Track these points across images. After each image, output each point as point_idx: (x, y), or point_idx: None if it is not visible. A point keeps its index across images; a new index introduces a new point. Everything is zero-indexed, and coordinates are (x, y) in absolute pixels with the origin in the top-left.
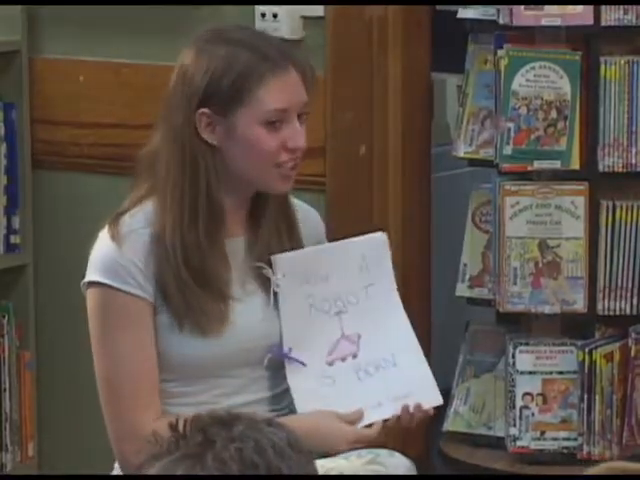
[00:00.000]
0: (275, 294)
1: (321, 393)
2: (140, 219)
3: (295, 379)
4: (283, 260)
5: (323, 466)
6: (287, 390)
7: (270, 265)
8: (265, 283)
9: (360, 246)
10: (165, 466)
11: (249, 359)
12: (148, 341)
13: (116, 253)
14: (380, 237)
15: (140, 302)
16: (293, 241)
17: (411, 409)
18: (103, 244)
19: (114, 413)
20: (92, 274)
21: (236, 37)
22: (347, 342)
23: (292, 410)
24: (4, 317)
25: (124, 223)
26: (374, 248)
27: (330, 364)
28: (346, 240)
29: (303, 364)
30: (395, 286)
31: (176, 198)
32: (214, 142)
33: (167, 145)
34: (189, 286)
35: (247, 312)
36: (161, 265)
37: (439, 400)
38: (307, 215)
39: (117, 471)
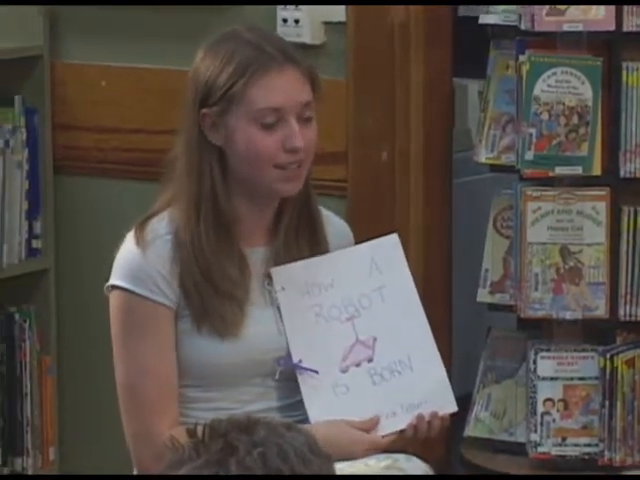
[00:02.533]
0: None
1: (335, 402)
2: (165, 225)
3: (308, 390)
4: (281, 272)
5: (342, 470)
6: (301, 400)
7: None
8: None
9: (368, 249)
10: (189, 473)
11: (264, 369)
12: (168, 348)
13: (140, 259)
14: (391, 238)
15: (162, 309)
16: (315, 253)
17: (427, 417)
18: (128, 248)
19: (132, 418)
20: (116, 278)
21: (237, 35)
22: (362, 346)
23: (305, 420)
24: (25, 322)
25: (150, 229)
26: (385, 250)
27: (344, 371)
28: (352, 247)
29: (315, 372)
30: (413, 286)
31: (186, 201)
32: (218, 143)
33: (180, 148)
34: (204, 288)
35: (265, 322)
36: (183, 267)
37: (454, 407)
38: (338, 229)
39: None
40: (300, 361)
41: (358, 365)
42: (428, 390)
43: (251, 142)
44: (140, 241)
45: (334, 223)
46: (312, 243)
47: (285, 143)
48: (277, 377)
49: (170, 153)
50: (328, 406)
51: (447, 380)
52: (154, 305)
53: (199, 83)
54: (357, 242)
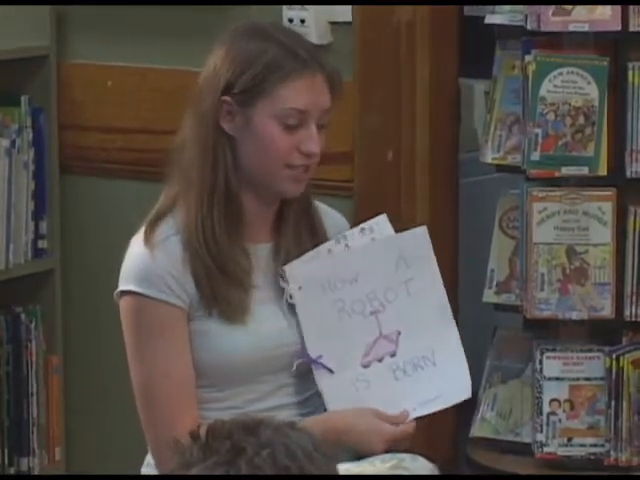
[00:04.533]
0: (290, 303)
1: (355, 397)
2: (172, 225)
3: (327, 385)
4: (297, 271)
5: (348, 470)
6: (314, 395)
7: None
8: None
9: (396, 242)
10: (200, 473)
11: (276, 365)
12: (184, 349)
13: (150, 261)
14: (420, 231)
15: (175, 310)
16: (316, 247)
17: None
18: (136, 252)
19: (153, 420)
20: (126, 283)
21: (269, 32)
22: (385, 341)
23: (318, 414)
24: (32, 322)
25: (158, 231)
26: (413, 243)
27: (366, 366)
28: (380, 239)
29: (330, 371)
30: (440, 280)
31: (197, 182)
32: (231, 132)
33: (192, 131)
34: (214, 274)
35: (273, 317)
36: (193, 258)
37: (468, 394)
38: (334, 221)
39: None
40: (320, 357)
41: (380, 360)
42: (445, 384)
43: (269, 138)
44: (148, 244)
45: (331, 215)
46: (313, 238)
47: (301, 146)
48: (294, 370)
49: (174, 142)
50: (348, 401)
51: (467, 371)
52: (167, 306)
53: (225, 70)
54: None
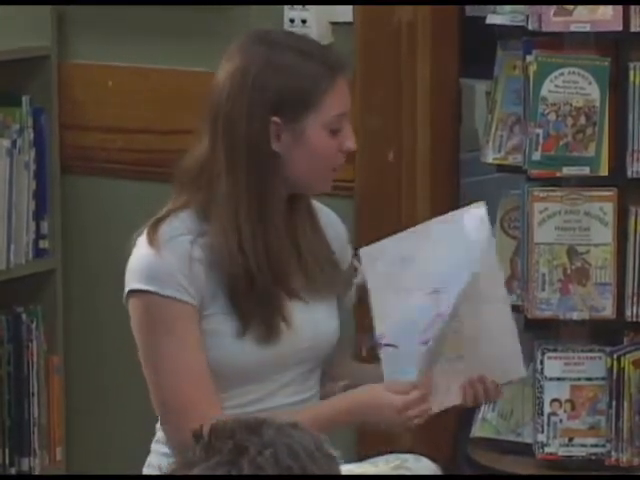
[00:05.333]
0: (359, 287)
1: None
2: (179, 226)
3: (389, 365)
4: (369, 251)
5: (351, 471)
6: (315, 395)
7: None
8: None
9: (460, 222)
10: (202, 473)
11: (288, 362)
12: (198, 346)
13: (157, 259)
14: (480, 212)
15: (187, 307)
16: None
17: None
18: (142, 252)
19: (177, 424)
20: (134, 282)
21: (293, 45)
22: (440, 319)
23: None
24: (33, 322)
25: (163, 231)
26: (475, 223)
27: (424, 343)
28: (443, 217)
29: (395, 346)
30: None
31: (253, 206)
32: (278, 150)
33: (232, 157)
34: (260, 296)
35: (304, 318)
36: (224, 276)
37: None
38: (329, 219)
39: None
40: (382, 336)
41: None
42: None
43: (322, 148)
44: (154, 242)
45: (325, 213)
46: (315, 233)
47: (343, 145)
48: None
49: (188, 159)
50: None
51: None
52: (179, 304)
53: (267, 93)
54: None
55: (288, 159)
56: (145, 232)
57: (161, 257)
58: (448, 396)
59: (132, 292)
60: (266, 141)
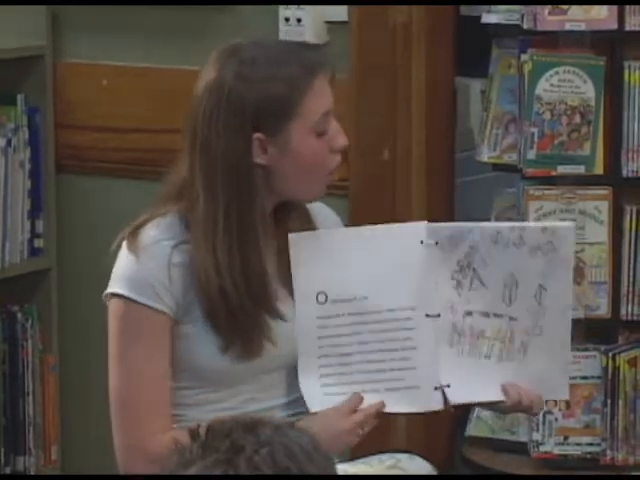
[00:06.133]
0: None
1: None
2: (162, 231)
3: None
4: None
5: (346, 471)
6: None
7: None
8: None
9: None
10: (198, 473)
11: (278, 363)
12: (162, 356)
13: (136, 266)
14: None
15: (159, 317)
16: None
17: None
18: (123, 257)
19: (123, 425)
20: (113, 286)
21: (263, 53)
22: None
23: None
24: (27, 321)
25: (144, 236)
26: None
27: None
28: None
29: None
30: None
31: (231, 226)
32: (265, 162)
33: (211, 175)
34: (242, 313)
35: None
36: (202, 290)
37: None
38: (320, 210)
39: None
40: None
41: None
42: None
43: (311, 153)
44: (135, 248)
45: (317, 211)
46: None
47: (333, 144)
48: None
49: (173, 174)
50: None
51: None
52: (151, 312)
53: (245, 110)
54: None
55: (278, 170)
56: (126, 237)
57: (140, 264)
58: (482, 391)
59: (111, 295)
60: (247, 158)
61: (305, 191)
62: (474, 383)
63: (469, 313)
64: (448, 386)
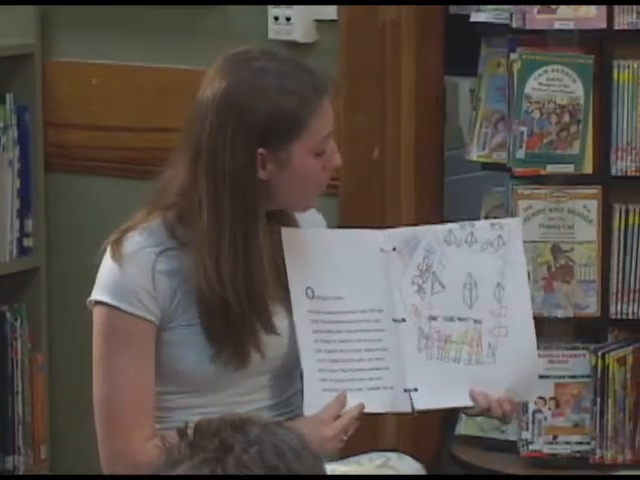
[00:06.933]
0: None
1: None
2: (147, 238)
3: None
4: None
5: (335, 470)
6: (291, 396)
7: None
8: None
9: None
10: (187, 472)
11: (266, 367)
12: (147, 363)
13: (120, 273)
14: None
15: (144, 324)
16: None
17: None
18: (108, 265)
19: (108, 432)
20: (97, 293)
21: (273, 69)
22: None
23: (296, 416)
24: (17, 320)
25: (128, 243)
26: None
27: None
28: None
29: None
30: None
31: (237, 237)
32: (264, 177)
33: (215, 188)
34: (240, 321)
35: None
36: (211, 301)
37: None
38: (312, 218)
39: None
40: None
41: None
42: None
43: (308, 171)
44: (119, 255)
45: (303, 218)
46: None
47: (328, 163)
48: None
49: (164, 180)
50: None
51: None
52: (136, 320)
53: (253, 125)
54: None
55: (274, 184)
56: (109, 245)
57: (124, 272)
58: (451, 396)
59: (95, 301)
60: (252, 172)
61: (297, 204)
62: (443, 387)
63: (434, 318)
64: (416, 390)
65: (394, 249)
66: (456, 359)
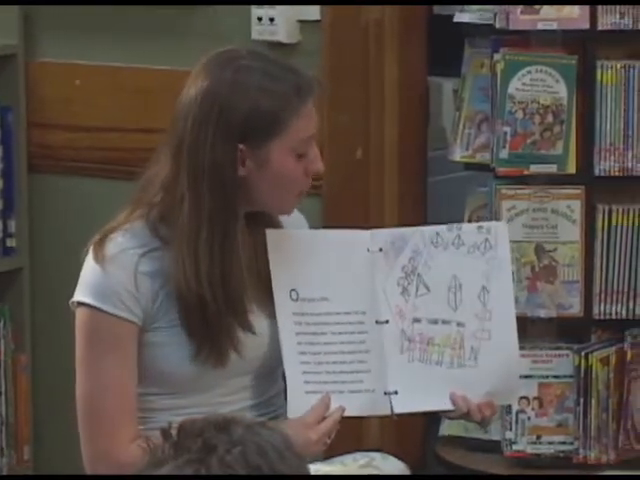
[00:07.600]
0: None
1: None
2: (128, 240)
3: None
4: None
5: (319, 470)
6: (273, 397)
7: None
8: (270, 296)
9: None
10: (170, 472)
11: (242, 371)
12: (130, 365)
13: (102, 275)
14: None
15: (126, 325)
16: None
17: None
18: (90, 266)
19: (91, 434)
20: (80, 294)
21: (258, 67)
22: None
23: (278, 416)
24: (0, 321)
25: (110, 244)
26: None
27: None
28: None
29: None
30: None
31: (215, 234)
32: (243, 174)
33: (195, 184)
34: (218, 320)
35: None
36: (190, 302)
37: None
38: (296, 220)
39: None
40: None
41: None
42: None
43: (287, 172)
44: (102, 257)
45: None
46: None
47: (309, 168)
48: None
49: (148, 175)
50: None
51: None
52: (118, 321)
53: (234, 121)
54: None
55: (254, 183)
56: (92, 245)
57: (106, 273)
58: (431, 399)
59: (78, 303)
60: (232, 168)
61: (276, 206)
62: (423, 390)
63: (417, 320)
64: (396, 393)
65: (380, 250)
66: (438, 362)
